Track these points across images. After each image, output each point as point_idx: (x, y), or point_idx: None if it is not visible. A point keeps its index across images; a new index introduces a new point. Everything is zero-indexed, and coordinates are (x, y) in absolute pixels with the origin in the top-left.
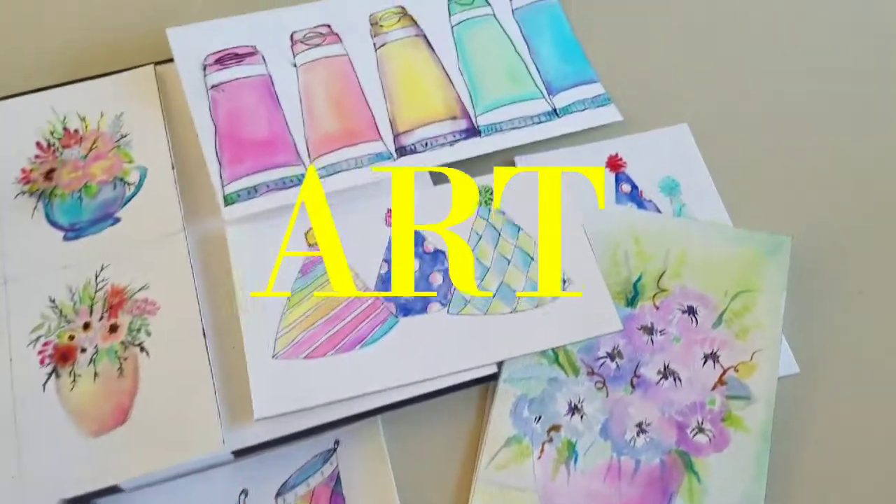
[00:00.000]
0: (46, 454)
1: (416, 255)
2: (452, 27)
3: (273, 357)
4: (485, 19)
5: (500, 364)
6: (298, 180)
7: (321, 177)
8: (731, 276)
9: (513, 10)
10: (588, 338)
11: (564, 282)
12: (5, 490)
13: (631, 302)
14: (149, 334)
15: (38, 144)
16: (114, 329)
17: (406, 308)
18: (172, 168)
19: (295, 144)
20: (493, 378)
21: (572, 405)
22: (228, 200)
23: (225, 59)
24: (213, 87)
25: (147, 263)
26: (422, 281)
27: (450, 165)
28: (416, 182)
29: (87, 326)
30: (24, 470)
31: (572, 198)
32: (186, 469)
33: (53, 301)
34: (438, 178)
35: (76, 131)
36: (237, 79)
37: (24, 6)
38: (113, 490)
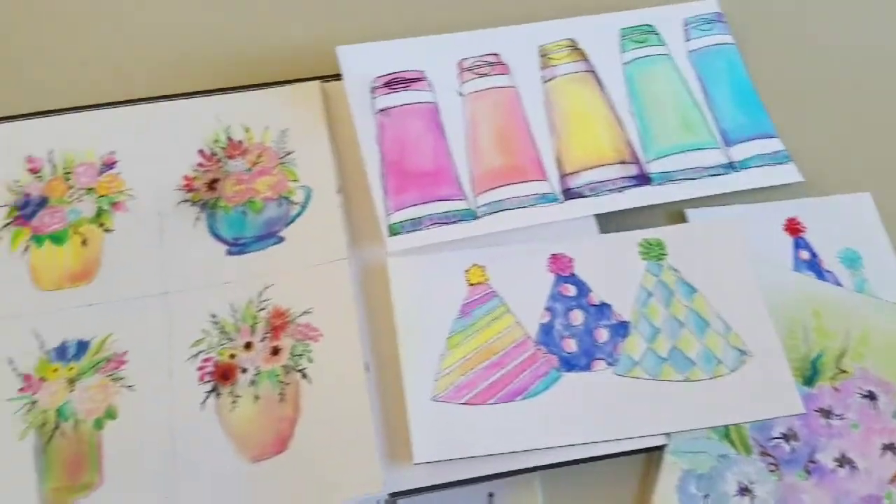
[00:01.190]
0: (202, 476)
1: (581, 307)
2: (624, 65)
3: (433, 399)
4: (659, 59)
5: (667, 435)
6: (462, 216)
7: (484, 214)
8: None
9: (688, 52)
10: (768, 418)
11: (743, 353)
12: None
13: (808, 381)
14: (311, 361)
15: (201, 152)
16: (276, 352)
17: (569, 363)
18: (338, 192)
19: (459, 177)
20: (659, 448)
21: (742, 486)
22: (393, 231)
23: (393, 82)
24: (380, 110)
25: (310, 288)
26: (586, 336)
27: (619, 213)
28: (582, 228)
29: (248, 346)
30: (180, 490)
31: (749, 262)
32: None
33: (215, 317)
34: (605, 226)
35: (240, 142)
36: (405, 104)
37: (195, 11)
38: None
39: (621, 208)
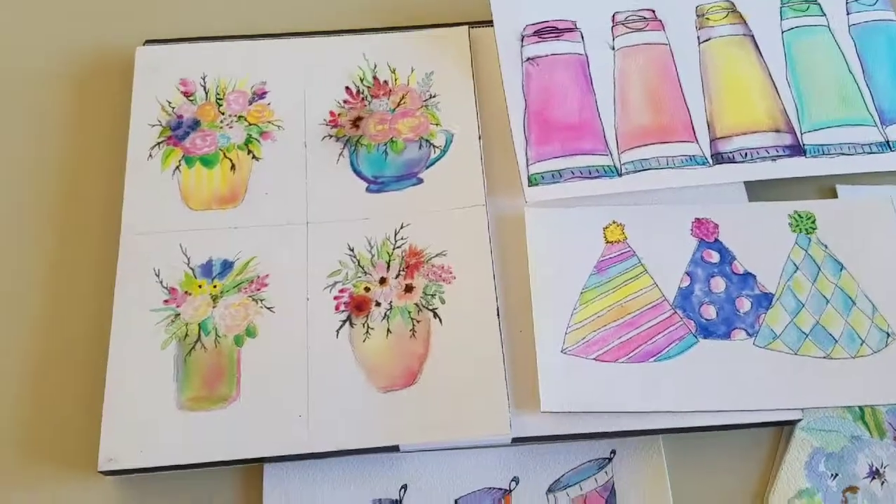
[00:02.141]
0: (335, 399)
1: (724, 274)
2: (783, 32)
3: (562, 351)
4: (818, 30)
5: (802, 410)
6: (605, 171)
7: (628, 171)
8: None
9: (849, 26)
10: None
11: (888, 335)
12: (293, 428)
13: None
14: (443, 301)
15: (348, 89)
16: (409, 289)
17: (707, 330)
18: (479, 139)
19: (604, 132)
20: (792, 423)
21: (873, 469)
22: (532, 181)
23: (544, 31)
24: (528, 59)
25: (446, 230)
26: (727, 304)
27: (768, 182)
28: (730, 194)
29: (383, 281)
30: (312, 410)
31: None
32: (464, 444)
33: (352, 250)
34: (754, 194)
35: (385, 82)
36: (554, 54)
37: None
38: (392, 448)
39: (773, 177)
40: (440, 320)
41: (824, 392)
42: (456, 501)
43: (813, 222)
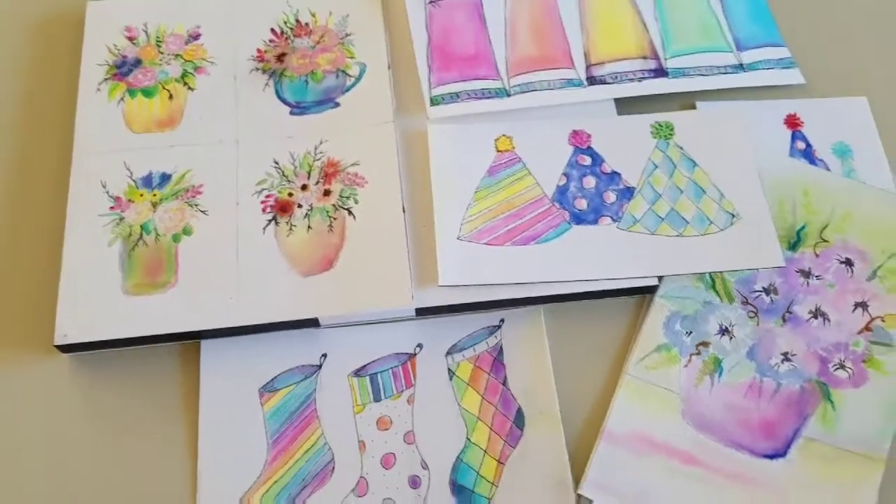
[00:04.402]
0: (261, 283)
1: (594, 174)
2: None
3: (458, 238)
4: None
5: (659, 279)
6: (496, 93)
7: (516, 93)
8: (892, 239)
9: None
10: (750, 268)
11: (733, 216)
12: (225, 307)
13: (792, 247)
14: (356, 202)
15: (273, 31)
16: (327, 193)
17: (579, 218)
18: (389, 68)
19: (496, 62)
20: (651, 291)
21: (723, 327)
22: (434, 101)
23: None
24: (430, 2)
25: (360, 145)
26: (596, 197)
27: (634, 100)
28: (601, 110)
29: (304, 188)
30: (242, 292)
31: (749, 144)
32: (375, 318)
33: (277, 163)
34: (624, 111)
35: (307, 24)
36: None
37: None
38: (312, 323)
39: (638, 94)
40: (354, 217)
41: (677, 263)
42: (367, 365)
43: (671, 130)
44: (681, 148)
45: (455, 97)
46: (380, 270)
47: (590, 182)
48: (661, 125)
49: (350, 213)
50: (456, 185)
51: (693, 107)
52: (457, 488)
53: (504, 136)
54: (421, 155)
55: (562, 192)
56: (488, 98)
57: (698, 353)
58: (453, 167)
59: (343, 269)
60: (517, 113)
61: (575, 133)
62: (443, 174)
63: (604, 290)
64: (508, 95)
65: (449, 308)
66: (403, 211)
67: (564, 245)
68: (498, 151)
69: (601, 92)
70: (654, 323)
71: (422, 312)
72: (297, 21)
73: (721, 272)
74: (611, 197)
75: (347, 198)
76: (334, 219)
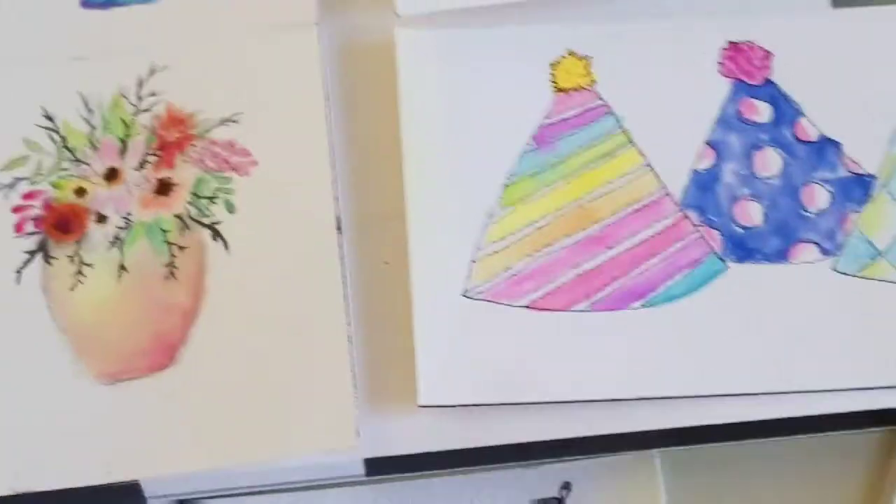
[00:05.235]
0: (11, 400)
1: (781, 143)
2: None
3: (464, 294)
4: None
5: None
6: None
7: None
8: None
9: None
10: None
11: None
12: None
13: None
14: (231, 210)
15: None
16: (165, 188)
17: (745, 246)
18: None
19: None
20: None
21: None
22: None
23: None
24: None
25: (239, 77)
26: (786, 198)
27: None
28: None
29: (112, 175)
30: None
31: None
32: (274, 482)
33: (51, 119)
34: None
35: None
36: None
37: None
38: (130, 491)
39: None
40: (225, 244)
41: None
42: None
43: None
44: None
45: None
46: (283, 373)
47: (770, 161)
48: None
49: (217, 234)
50: (460, 167)
51: None
52: None
53: (572, 54)
54: (380, 96)
55: (705, 184)
56: None
57: None
58: (453, 126)
59: (196, 366)
60: (599, 5)
61: (735, 48)
62: (429, 143)
63: (805, 419)
64: None
65: (442, 460)
66: (339, 230)
67: (711, 307)
68: (559, 91)
69: None
70: None
71: (380, 469)
72: None
73: None
74: (819, 197)
75: (212, 199)
76: (180, 248)
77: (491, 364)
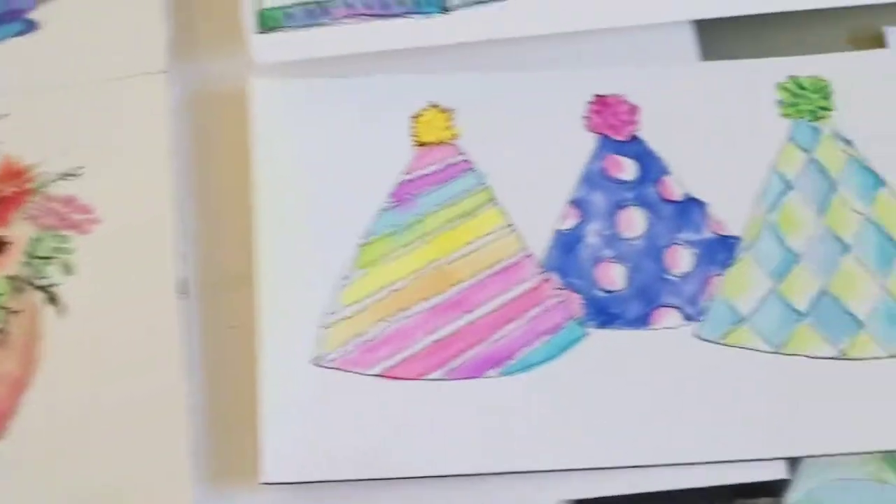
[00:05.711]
0: None
1: (645, 202)
2: None
3: (314, 362)
4: None
5: (793, 465)
6: (414, 3)
7: (461, 4)
8: None
9: None
10: None
11: None
12: None
13: None
14: (69, 271)
15: None
16: None
17: (606, 311)
18: None
19: None
20: (775, 493)
21: None
22: (267, 22)
23: None
24: None
25: (83, 126)
26: (649, 260)
27: (742, 26)
28: (665, 46)
29: None
30: None
31: None
32: None
33: None
34: (711, 48)
35: None
36: None
37: None
38: None
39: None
40: (60, 309)
41: (835, 425)
42: None
43: (824, 95)
44: (848, 142)
45: (319, 11)
46: (121, 448)
47: (634, 222)
48: (801, 86)
49: (52, 298)
50: (313, 226)
51: (878, 40)
52: None
53: (434, 106)
54: (235, 152)
55: (567, 245)
56: (395, 15)
57: None
58: (308, 182)
59: (30, 439)
60: (464, 54)
61: (601, 102)
62: (281, 198)
63: (665, 494)
64: (446, 10)
65: None
66: (184, 293)
67: (572, 375)
68: (420, 145)
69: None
70: None
71: None
72: None
73: None
74: (681, 260)
75: (47, 259)
76: (13, 313)
77: (342, 437)
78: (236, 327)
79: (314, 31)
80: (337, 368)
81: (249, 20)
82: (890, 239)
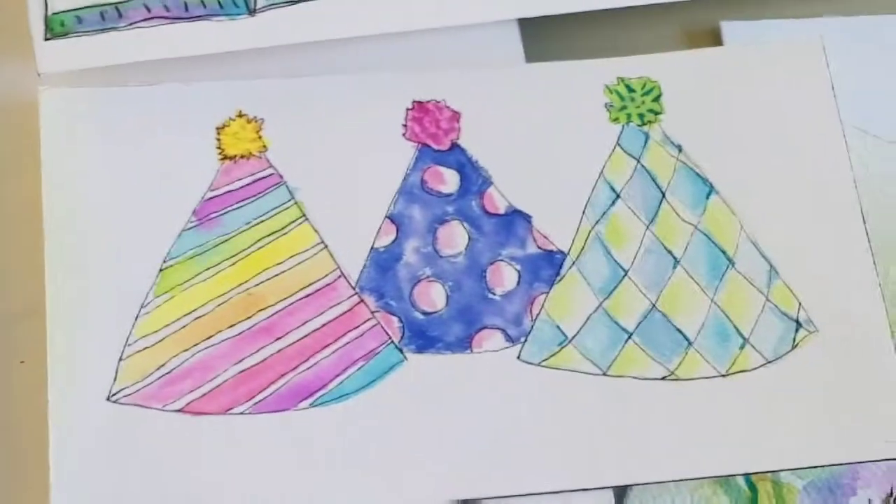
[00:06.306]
0: None
1: (467, 216)
2: None
3: (109, 398)
4: None
5: (621, 493)
6: (220, 4)
7: (267, 5)
8: None
9: None
10: (852, 462)
11: (799, 324)
12: None
13: None
14: None
15: None
16: None
17: (425, 334)
18: None
19: None
20: None
21: None
22: (55, 27)
23: None
24: None
25: None
26: (469, 279)
27: (569, 22)
28: (485, 49)
29: None
30: None
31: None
32: None
33: None
34: (535, 48)
35: None
36: None
37: None
38: None
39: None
40: None
41: (665, 452)
42: None
43: (656, 98)
44: (677, 147)
45: (112, 15)
46: None
47: (454, 237)
48: (630, 87)
49: None
50: (111, 253)
51: (715, 37)
52: None
53: (242, 115)
54: (22, 169)
55: (384, 264)
56: (195, 19)
57: None
58: (102, 201)
59: None
60: (274, 59)
61: (420, 108)
62: (76, 225)
63: None
64: (252, 11)
65: None
66: None
67: (387, 407)
68: (225, 158)
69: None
70: None
71: None
72: None
73: (774, 472)
74: (505, 278)
75: None
76: None
77: (140, 479)
78: (25, 362)
79: (107, 36)
80: (134, 404)
81: (37, 25)
82: (721, 250)
